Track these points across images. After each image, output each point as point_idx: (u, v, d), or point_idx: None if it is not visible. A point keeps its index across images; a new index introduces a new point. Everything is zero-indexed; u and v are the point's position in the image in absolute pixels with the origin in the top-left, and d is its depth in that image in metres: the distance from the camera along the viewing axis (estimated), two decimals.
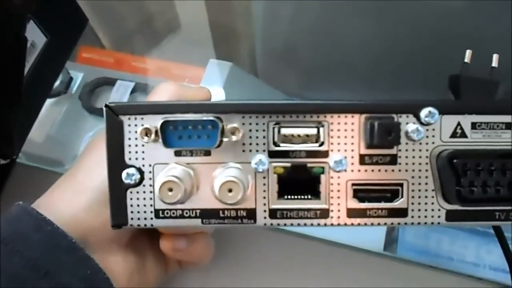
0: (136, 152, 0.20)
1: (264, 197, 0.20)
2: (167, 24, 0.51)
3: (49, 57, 0.32)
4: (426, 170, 0.20)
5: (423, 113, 0.19)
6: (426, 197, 0.20)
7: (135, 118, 0.20)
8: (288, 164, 0.20)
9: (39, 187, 0.25)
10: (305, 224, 0.20)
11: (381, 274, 0.32)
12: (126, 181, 0.20)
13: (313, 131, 0.20)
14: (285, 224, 0.20)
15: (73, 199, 0.23)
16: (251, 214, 0.20)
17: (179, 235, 0.25)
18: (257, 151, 0.20)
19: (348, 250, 0.33)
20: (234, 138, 0.19)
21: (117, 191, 0.20)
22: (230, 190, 0.18)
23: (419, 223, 0.20)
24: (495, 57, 0.23)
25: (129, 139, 0.20)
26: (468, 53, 0.25)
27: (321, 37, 0.45)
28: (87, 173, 0.24)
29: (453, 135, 0.19)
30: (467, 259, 0.33)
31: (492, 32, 0.36)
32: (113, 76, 0.43)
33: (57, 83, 0.40)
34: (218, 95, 0.40)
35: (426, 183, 0.20)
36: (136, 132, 0.20)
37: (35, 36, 0.30)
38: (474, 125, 0.19)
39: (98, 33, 0.49)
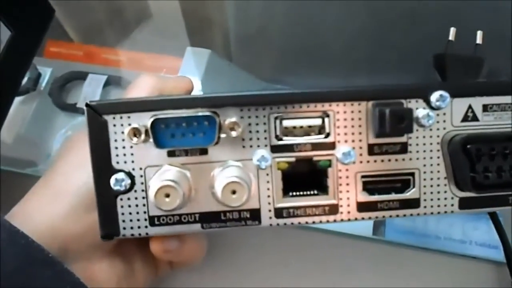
0: (125, 154, 0.18)
1: (269, 196, 0.18)
2: (137, 13, 0.48)
3: (15, 53, 0.29)
4: (438, 157, 0.18)
5: (434, 97, 0.18)
6: (438, 185, 0.19)
7: (121, 117, 0.18)
8: (293, 159, 0.18)
9: (12, 192, 0.23)
10: (313, 222, 0.18)
11: (371, 258, 0.32)
12: (115, 188, 0.18)
13: (318, 121, 0.18)
14: (292, 223, 0.18)
15: (49, 207, 0.22)
16: (255, 214, 0.18)
17: (169, 236, 0.24)
18: (258, 146, 0.18)
19: (338, 236, 0.32)
20: (233, 134, 0.17)
21: (106, 199, 0.18)
22: (233, 192, 0.17)
23: (432, 213, 0.19)
24: (479, 34, 0.22)
25: (116, 140, 0.18)
26: (452, 30, 0.24)
27: (295, 21, 0.43)
28: (63, 177, 0.22)
29: (465, 119, 0.18)
30: (454, 236, 0.33)
31: (472, 10, 0.35)
32: (84, 69, 0.41)
33: (24, 80, 0.38)
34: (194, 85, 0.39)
35: (438, 171, 0.19)
36: (123, 132, 0.18)
37: None
38: (485, 107, 0.18)
39: (65, 26, 0.46)
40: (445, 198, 0.19)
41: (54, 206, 0.22)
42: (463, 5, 0.35)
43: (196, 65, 0.41)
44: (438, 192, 0.19)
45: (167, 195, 0.17)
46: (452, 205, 0.19)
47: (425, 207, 0.19)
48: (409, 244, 0.32)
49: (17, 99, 0.38)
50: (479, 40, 0.28)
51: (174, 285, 0.31)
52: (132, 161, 0.18)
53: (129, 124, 0.17)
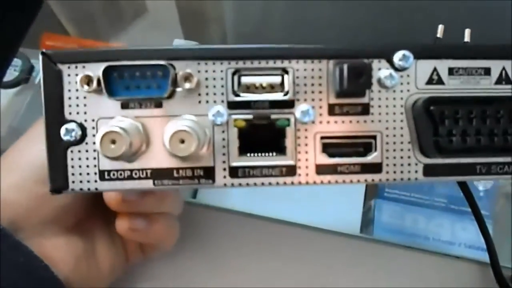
0: (77, 105, 0.17)
1: (224, 154, 0.18)
2: (133, 8, 0.49)
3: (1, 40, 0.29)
4: (401, 121, 0.18)
5: (397, 56, 0.17)
6: (401, 150, 0.18)
7: (76, 67, 0.17)
8: (250, 116, 0.18)
9: None
10: (269, 183, 0.18)
11: (359, 257, 0.31)
12: (65, 138, 0.17)
13: (277, 79, 0.18)
14: (247, 184, 0.18)
15: (3, 180, 0.21)
16: (209, 173, 0.18)
17: (137, 214, 0.23)
18: (214, 102, 0.17)
19: (325, 233, 0.32)
20: (187, 85, 0.17)
21: (56, 151, 0.17)
22: (182, 141, 0.16)
23: (394, 179, 0.18)
24: (467, 31, 0.22)
25: (69, 90, 0.17)
26: (440, 28, 0.24)
27: (293, 19, 0.44)
28: (18, 152, 0.22)
29: (429, 81, 0.18)
30: (443, 237, 0.32)
31: (465, 6, 0.35)
32: None
33: (17, 72, 0.38)
34: None
35: (402, 135, 0.18)
36: (76, 82, 0.17)
37: None
38: (451, 71, 0.18)
39: (61, 19, 0.47)
40: (409, 164, 0.18)
41: (7, 180, 0.21)
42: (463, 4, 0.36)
43: None
44: (402, 157, 0.18)
45: (113, 142, 0.16)
46: (416, 171, 0.18)
47: (387, 172, 0.18)
48: (396, 243, 0.31)
49: (10, 92, 0.38)
50: (467, 38, 0.28)
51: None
52: (85, 112, 0.17)
53: (83, 73, 0.17)
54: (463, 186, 0.24)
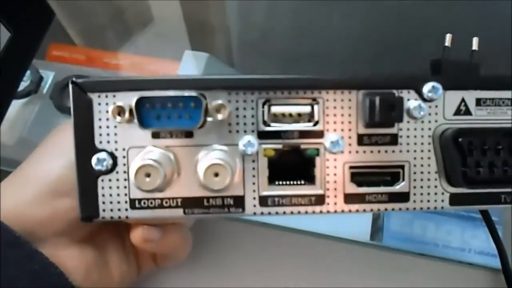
0: (108, 134, 0.17)
1: (254, 183, 0.18)
2: (139, 18, 0.49)
3: (14, 54, 0.29)
4: (429, 151, 0.18)
5: (426, 88, 0.18)
6: (428, 179, 0.18)
7: (106, 96, 0.17)
8: (280, 146, 0.18)
9: None
10: (299, 212, 0.18)
11: (369, 264, 0.32)
12: (97, 168, 0.17)
13: (307, 109, 0.18)
14: (276, 213, 0.18)
15: (19, 191, 0.21)
16: (239, 202, 0.18)
17: (151, 225, 0.23)
18: (245, 131, 0.18)
19: (335, 241, 0.32)
20: (219, 116, 0.17)
21: (87, 179, 0.18)
22: (216, 175, 0.16)
23: (421, 208, 0.18)
24: (475, 40, 0.22)
25: (100, 119, 0.17)
26: (448, 37, 0.24)
27: (297, 28, 0.44)
28: (36, 164, 0.22)
29: (457, 112, 0.18)
30: (453, 244, 0.32)
31: (471, 16, 0.35)
32: (86, 73, 0.41)
33: (27, 83, 0.38)
34: None
35: (429, 165, 0.18)
36: (107, 111, 0.17)
37: None
38: (478, 102, 0.18)
39: (68, 30, 0.46)
40: (436, 193, 0.18)
41: (24, 191, 0.21)
42: (460, 11, 0.36)
43: (194, 69, 0.41)
44: (429, 187, 0.18)
45: (148, 175, 0.16)
46: (443, 200, 0.18)
47: (414, 201, 0.18)
48: (406, 250, 0.32)
49: (19, 102, 0.39)
50: (475, 46, 0.28)
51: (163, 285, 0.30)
52: (116, 141, 0.18)
53: (114, 103, 0.17)
54: (484, 213, 0.24)
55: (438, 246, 0.33)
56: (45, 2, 0.33)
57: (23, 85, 0.37)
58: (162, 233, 0.23)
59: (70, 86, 0.17)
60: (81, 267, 0.23)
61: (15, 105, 0.38)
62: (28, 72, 0.37)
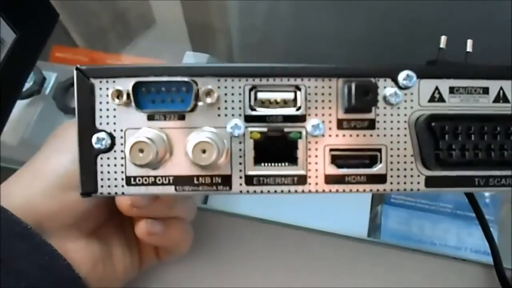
0: (108, 116, 0.19)
1: (240, 163, 0.19)
2: (141, 20, 0.50)
3: (19, 55, 0.30)
4: (405, 135, 0.19)
5: (401, 76, 0.19)
6: (405, 162, 0.19)
7: (107, 81, 0.19)
8: (265, 129, 0.19)
9: None
10: (282, 191, 0.19)
11: (366, 260, 0.32)
12: (96, 146, 0.19)
13: (290, 95, 0.19)
14: (261, 191, 0.19)
15: (29, 185, 0.22)
16: (227, 180, 0.19)
17: (154, 219, 0.25)
18: (232, 115, 0.19)
19: (333, 237, 0.33)
20: (208, 100, 0.19)
21: (87, 157, 0.19)
22: (204, 151, 0.18)
23: (398, 190, 0.19)
24: (469, 42, 0.24)
25: (100, 102, 0.19)
26: (443, 38, 0.25)
27: (297, 30, 0.45)
28: (44, 160, 0.23)
29: (431, 99, 0.19)
30: (449, 243, 0.33)
31: (470, 17, 0.36)
32: None
33: (30, 84, 0.38)
34: None
35: (405, 149, 0.19)
36: (107, 95, 0.19)
37: (3, 33, 0.29)
38: (452, 90, 0.19)
39: (71, 32, 0.48)
40: (412, 176, 0.19)
41: (33, 185, 0.22)
42: (456, 13, 0.37)
43: None
44: (405, 169, 0.19)
45: (141, 150, 0.18)
46: (419, 182, 0.19)
47: (391, 183, 0.19)
48: (403, 246, 0.32)
49: (22, 103, 0.39)
50: (469, 48, 0.29)
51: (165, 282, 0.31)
52: (114, 123, 0.19)
53: (114, 87, 0.19)
54: (470, 196, 0.25)
55: (436, 244, 0.33)
56: (50, 3, 0.34)
57: (26, 86, 0.37)
58: (165, 227, 0.25)
59: (75, 72, 0.19)
60: (88, 260, 0.24)
61: (18, 105, 0.38)
62: (31, 73, 0.38)
